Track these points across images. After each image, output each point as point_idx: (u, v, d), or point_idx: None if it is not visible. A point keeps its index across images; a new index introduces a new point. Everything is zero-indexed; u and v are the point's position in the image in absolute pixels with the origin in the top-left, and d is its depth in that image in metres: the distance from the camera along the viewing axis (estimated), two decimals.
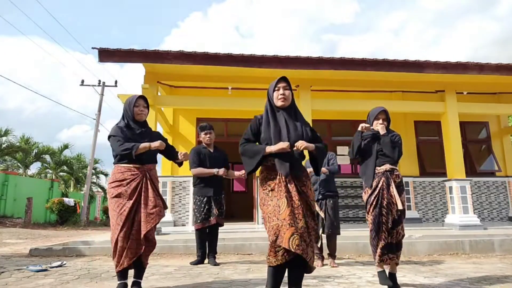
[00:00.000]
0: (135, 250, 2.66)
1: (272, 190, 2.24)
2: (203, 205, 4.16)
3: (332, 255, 4.18)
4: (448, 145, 7.20)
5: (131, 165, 2.80)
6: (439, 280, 3.30)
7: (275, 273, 2.18)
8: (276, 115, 2.37)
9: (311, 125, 2.50)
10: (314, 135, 2.41)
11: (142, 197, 2.74)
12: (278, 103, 2.35)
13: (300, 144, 2.22)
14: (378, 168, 3.01)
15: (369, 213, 2.97)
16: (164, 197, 8.28)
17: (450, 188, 6.94)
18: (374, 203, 2.94)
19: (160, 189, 7.34)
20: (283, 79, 2.39)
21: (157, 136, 3.05)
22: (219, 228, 4.31)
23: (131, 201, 2.70)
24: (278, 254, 2.12)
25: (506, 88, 7.89)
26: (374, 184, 2.97)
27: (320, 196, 4.17)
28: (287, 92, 2.37)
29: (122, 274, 2.72)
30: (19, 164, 19.67)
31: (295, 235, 2.05)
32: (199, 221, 4.15)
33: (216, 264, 4.06)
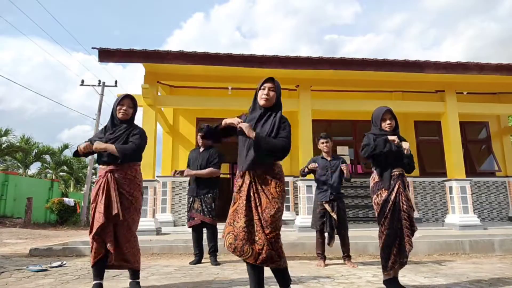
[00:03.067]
0: (99, 250, 2.73)
1: (236, 184, 2.33)
2: (189, 204, 4.34)
3: (348, 255, 4.19)
4: (448, 145, 7.19)
5: (101, 166, 2.84)
6: (439, 280, 3.30)
7: (250, 270, 2.23)
8: (254, 113, 2.38)
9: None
10: (278, 134, 2.28)
11: (104, 199, 2.70)
12: (261, 102, 2.36)
13: (241, 124, 2.22)
14: (393, 170, 2.88)
15: (386, 218, 2.79)
16: (164, 197, 8.29)
17: (450, 188, 6.95)
18: (391, 207, 2.79)
19: (160, 189, 7.46)
20: (271, 79, 2.39)
21: (133, 134, 2.87)
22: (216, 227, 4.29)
23: (97, 204, 2.73)
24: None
25: (506, 88, 7.89)
26: (390, 187, 2.85)
27: (332, 197, 4.15)
28: (272, 93, 2.35)
29: (95, 273, 2.77)
30: (19, 164, 19.68)
31: (230, 234, 2.17)
32: (187, 220, 4.36)
33: (217, 263, 4.06)
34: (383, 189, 2.87)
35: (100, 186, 2.75)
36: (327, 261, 4.23)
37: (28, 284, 3.06)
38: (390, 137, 2.91)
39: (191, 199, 4.31)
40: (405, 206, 2.79)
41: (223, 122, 2.34)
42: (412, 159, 2.96)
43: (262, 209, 2.18)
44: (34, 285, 3.01)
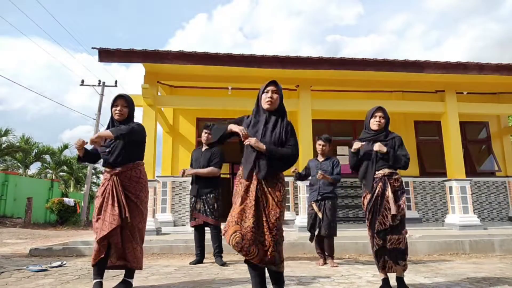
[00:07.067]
0: (98, 252, 2.69)
1: (240, 184, 2.33)
2: (191, 204, 4.28)
3: (330, 255, 4.18)
4: (448, 145, 7.19)
5: (106, 169, 2.83)
6: (439, 280, 3.30)
7: (252, 271, 2.27)
8: (259, 117, 2.40)
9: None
10: (287, 140, 2.34)
11: (104, 203, 2.73)
12: (265, 105, 2.38)
13: (249, 140, 2.26)
14: (376, 172, 2.90)
15: (367, 219, 2.91)
16: (164, 197, 8.27)
17: (450, 188, 6.95)
18: (371, 209, 2.87)
19: (160, 189, 7.46)
20: (274, 82, 2.41)
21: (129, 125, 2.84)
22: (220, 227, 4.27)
23: (102, 206, 2.73)
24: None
25: (506, 88, 7.89)
26: (372, 190, 2.89)
27: (319, 197, 4.16)
28: (275, 96, 2.37)
29: (96, 272, 2.74)
30: (19, 164, 19.67)
31: (237, 233, 2.15)
32: (190, 220, 4.29)
33: (223, 264, 4.01)
34: (367, 192, 2.93)
35: (105, 189, 2.75)
36: (326, 261, 4.23)
37: (28, 284, 3.06)
38: (375, 147, 2.88)
39: (193, 199, 4.25)
40: (381, 209, 2.82)
41: (229, 128, 2.36)
42: (397, 157, 2.89)
43: (268, 211, 2.23)
44: (34, 285, 3.01)
